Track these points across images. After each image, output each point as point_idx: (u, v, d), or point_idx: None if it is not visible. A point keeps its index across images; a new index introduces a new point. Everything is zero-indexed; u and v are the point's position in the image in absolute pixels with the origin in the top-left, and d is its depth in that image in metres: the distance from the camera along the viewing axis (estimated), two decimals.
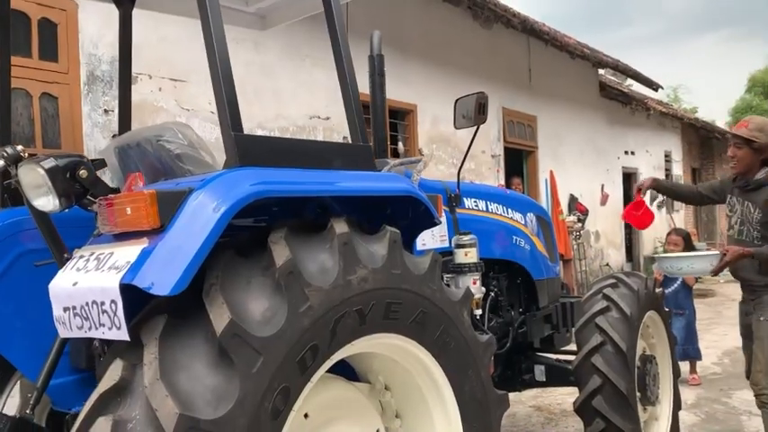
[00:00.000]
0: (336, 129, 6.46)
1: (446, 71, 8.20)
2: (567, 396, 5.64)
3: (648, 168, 15.48)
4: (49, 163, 1.85)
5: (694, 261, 3.87)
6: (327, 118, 6.39)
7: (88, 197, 1.95)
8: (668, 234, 6.64)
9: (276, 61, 5.77)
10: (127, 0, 3.27)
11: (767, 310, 3.72)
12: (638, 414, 3.60)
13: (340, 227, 1.98)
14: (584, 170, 11.98)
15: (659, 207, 15.90)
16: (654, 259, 4.29)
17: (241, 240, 1.92)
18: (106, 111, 4.50)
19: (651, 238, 15.10)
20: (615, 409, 3.44)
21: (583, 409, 3.57)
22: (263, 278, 1.77)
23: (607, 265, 12.51)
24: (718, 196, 4.15)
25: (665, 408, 4.10)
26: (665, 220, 16.46)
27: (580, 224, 10.82)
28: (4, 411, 2.63)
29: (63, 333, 1.82)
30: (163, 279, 1.58)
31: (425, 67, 7.88)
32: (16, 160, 2.16)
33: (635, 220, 4.37)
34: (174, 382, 1.56)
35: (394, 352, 2.24)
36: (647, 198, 4.64)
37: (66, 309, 1.77)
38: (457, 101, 3.44)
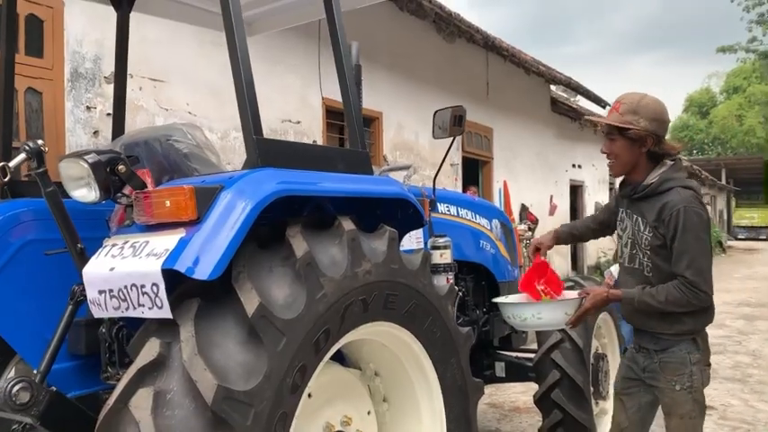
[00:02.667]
0: (306, 132, 6.66)
1: (411, 81, 8.49)
2: (519, 394, 5.97)
3: (594, 182, 16.17)
4: (93, 158, 2.01)
5: (543, 310, 2.80)
6: (298, 122, 6.57)
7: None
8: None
9: (252, 65, 5.92)
10: (125, 3, 3.39)
11: (684, 372, 2.63)
12: (592, 406, 3.92)
13: (347, 224, 2.20)
14: (535, 181, 12.48)
15: None
16: (498, 303, 3.06)
17: (260, 233, 2.12)
18: (88, 107, 4.58)
19: (595, 248, 15.76)
20: (572, 402, 3.75)
21: (542, 401, 3.87)
22: (283, 268, 1.98)
23: None
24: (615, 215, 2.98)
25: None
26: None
27: (530, 233, 11.26)
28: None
29: (97, 313, 1.97)
30: (202, 265, 1.77)
31: (391, 77, 8.14)
32: (38, 154, 2.29)
33: (537, 293, 2.92)
34: (210, 357, 1.75)
35: (388, 339, 2.46)
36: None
37: (101, 291, 1.93)
38: (435, 113, 3.69)
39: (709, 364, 2.76)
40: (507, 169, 11.28)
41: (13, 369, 2.85)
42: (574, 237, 3.36)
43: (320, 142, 6.78)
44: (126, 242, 1.95)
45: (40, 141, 2.33)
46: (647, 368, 2.74)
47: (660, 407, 2.77)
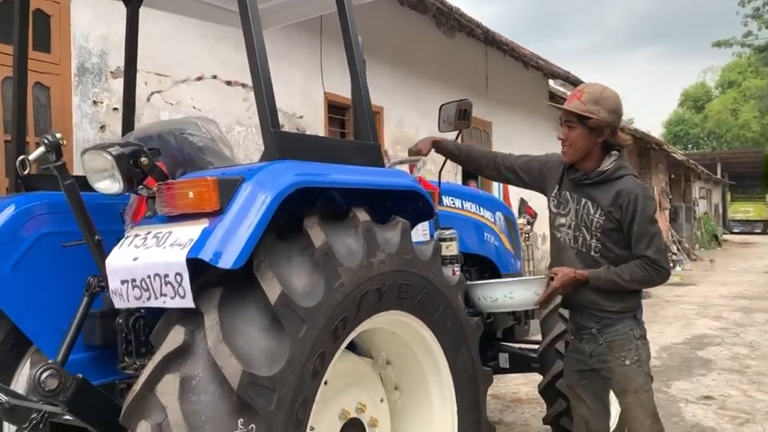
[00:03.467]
0: (309, 127, 6.70)
1: (411, 76, 8.53)
2: (520, 386, 6.04)
3: None
4: (117, 150, 2.05)
5: (514, 288, 2.94)
6: (301, 116, 6.61)
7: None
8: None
9: None
10: None
11: (630, 347, 2.76)
12: None
13: (362, 215, 2.25)
14: None
15: None
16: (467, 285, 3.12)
17: (278, 224, 2.16)
18: (95, 102, 4.61)
19: None
20: None
21: (546, 390, 3.93)
22: (302, 257, 2.03)
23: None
24: (533, 180, 3.14)
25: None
26: None
27: (529, 227, 11.31)
28: (15, 388, 2.79)
29: (119, 304, 2.02)
30: (226, 254, 1.82)
31: (392, 72, 8.18)
32: (56, 147, 2.33)
33: None
34: (234, 343, 1.79)
35: (400, 328, 2.52)
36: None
37: (123, 281, 1.97)
38: (441, 106, 3.73)
39: (647, 339, 2.90)
40: None
41: (29, 360, 2.90)
42: (455, 156, 3.36)
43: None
44: (149, 233, 1.99)
45: (58, 134, 2.36)
46: (593, 353, 2.83)
47: (612, 388, 2.88)
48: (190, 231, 1.88)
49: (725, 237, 32.86)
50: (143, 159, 2.09)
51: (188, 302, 1.82)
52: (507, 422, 5.20)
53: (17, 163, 2.40)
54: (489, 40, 9.59)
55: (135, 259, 1.94)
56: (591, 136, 2.76)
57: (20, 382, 2.84)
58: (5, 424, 2.78)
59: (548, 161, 3.09)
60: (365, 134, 2.68)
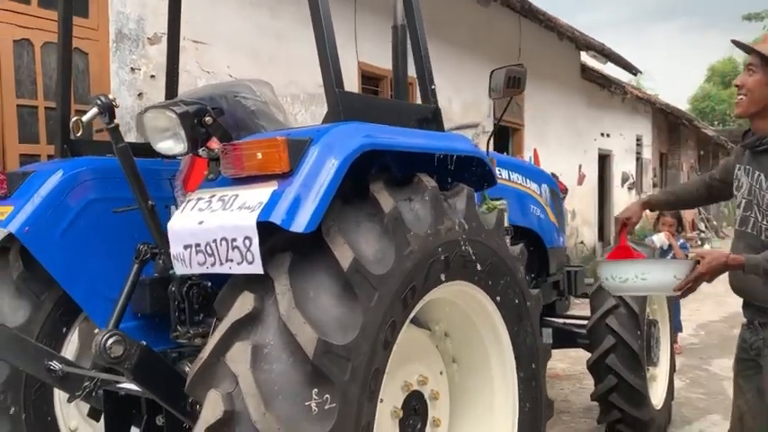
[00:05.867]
0: None
1: (445, 47, 8.33)
2: (557, 362, 5.95)
3: (621, 151, 15.93)
4: (181, 108, 1.96)
5: (649, 269, 2.50)
6: None
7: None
8: (660, 216, 6.20)
9: (290, 28, 5.84)
10: None
11: None
12: (645, 372, 3.88)
13: (429, 181, 2.15)
14: (565, 150, 12.30)
15: (629, 189, 16.42)
16: (597, 263, 2.92)
17: (343, 188, 2.07)
18: (133, 69, 4.54)
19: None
20: (627, 367, 3.72)
21: (596, 366, 3.84)
22: (370, 223, 1.93)
23: (582, 242, 12.93)
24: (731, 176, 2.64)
25: (663, 369, 4.40)
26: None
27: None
28: (64, 355, 2.75)
29: (180, 270, 1.94)
30: (298, 218, 1.74)
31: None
32: (110, 109, 2.25)
33: None
34: (307, 310, 1.72)
35: (463, 299, 2.42)
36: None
37: (186, 246, 1.89)
38: (492, 72, 3.60)
39: None
40: (537, 137, 11.11)
41: (77, 329, 2.87)
42: (670, 204, 3.09)
43: None
44: (213, 195, 1.91)
45: (111, 96, 2.29)
46: (752, 345, 2.49)
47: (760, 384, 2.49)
48: (259, 194, 1.79)
49: None
50: (207, 119, 2.00)
51: (257, 268, 1.74)
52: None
53: (70, 125, 2.32)
54: (525, 10, 9.34)
55: (200, 223, 1.85)
56: None
57: (68, 351, 2.81)
58: (56, 391, 2.76)
59: (734, 151, 2.72)
60: (425, 96, 2.58)
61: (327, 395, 1.68)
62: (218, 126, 2.04)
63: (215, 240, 1.82)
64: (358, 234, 1.89)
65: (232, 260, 1.80)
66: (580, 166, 13.18)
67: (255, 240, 1.73)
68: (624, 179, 16.04)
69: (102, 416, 2.56)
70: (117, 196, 2.66)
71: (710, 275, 2.35)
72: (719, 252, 2.40)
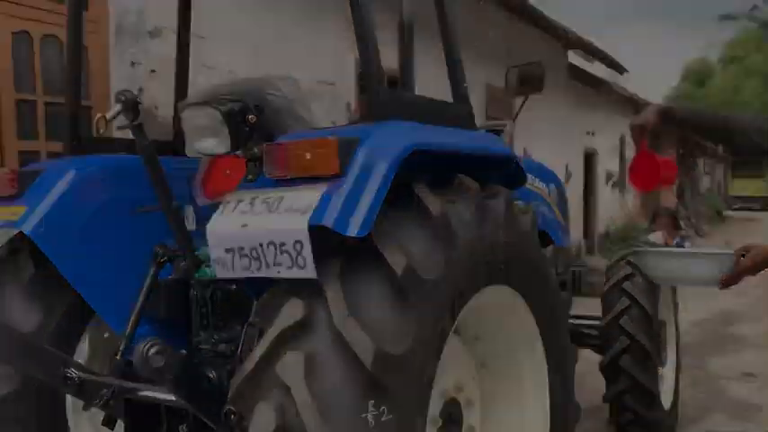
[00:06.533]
0: (341, 94, 6.50)
1: (430, 43, 8.28)
2: None
3: (606, 150, 16.05)
4: (226, 106, 1.87)
5: (693, 261, 2.56)
6: (332, 83, 6.40)
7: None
8: (655, 215, 6.29)
9: (290, 23, 5.74)
10: None
11: None
12: (657, 373, 3.86)
13: (471, 183, 2.09)
14: (553, 148, 12.32)
15: (613, 187, 16.55)
16: (636, 252, 2.93)
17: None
18: (133, 63, 4.41)
19: (605, 216, 15.72)
20: (640, 368, 3.70)
21: (609, 368, 3.81)
22: (418, 227, 1.86)
23: None
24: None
25: (670, 369, 4.40)
26: (616, 202, 17.15)
27: None
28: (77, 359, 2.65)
29: (222, 273, 1.85)
30: (352, 222, 1.66)
31: (419, 40, 7.92)
32: (134, 105, 2.16)
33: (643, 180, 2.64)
34: (361, 318, 1.64)
35: (497, 303, 2.37)
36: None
37: (228, 250, 1.81)
38: (509, 69, 3.56)
39: None
40: (527, 135, 11.10)
41: (88, 336, 2.76)
42: (690, 124, 2.43)
43: (353, 105, 6.62)
44: (255, 198, 1.82)
45: (135, 92, 2.20)
46: None
47: None
48: (307, 196, 1.71)
49: (727, 213, 32.83)
50: (250, 117, 1.91)
51: (309, 272, 1.67)
52: None
53: (93, 121, 2.22)
54: (518, 8, 9.35)
55: (244, 226, 1.77)
56: None
57: (80, 357, 2.71)
58: (68, 399, 2.65)
59: None
60: (456, 94, 2.52)
61: (384, 407, 1.61)
62: (261, 125, 1.95)
63: (261, 244, 1.74)
64: (408, 238, 1.82)
65: (281, 264, 1.72)
66: (567, 165, 13.24)
67: (307, 244, 1.65)
68: (608, 177, 16.16)
69: (119, 424, 2.47)
70: (131, 196, 2.57)
71: (755, 269, 2.36)
72: (764, 246, 2.39)
